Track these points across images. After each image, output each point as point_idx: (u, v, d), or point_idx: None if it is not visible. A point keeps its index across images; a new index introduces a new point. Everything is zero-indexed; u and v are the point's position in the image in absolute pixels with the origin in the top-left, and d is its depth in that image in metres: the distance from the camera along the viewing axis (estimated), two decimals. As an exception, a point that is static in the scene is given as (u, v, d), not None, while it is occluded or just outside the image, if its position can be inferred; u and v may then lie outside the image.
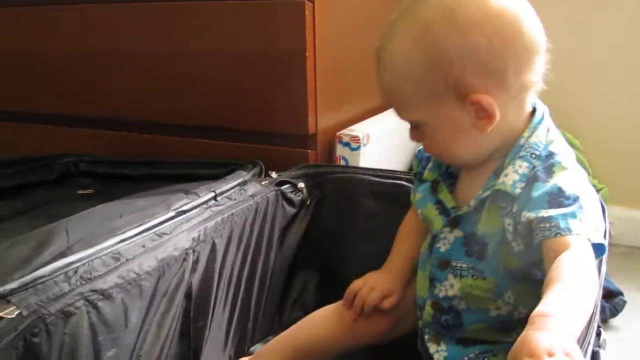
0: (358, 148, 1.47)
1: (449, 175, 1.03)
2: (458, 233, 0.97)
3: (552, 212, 0.81)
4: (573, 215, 0.81)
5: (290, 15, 1.38)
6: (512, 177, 0.90)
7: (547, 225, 0.80)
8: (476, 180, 0.96)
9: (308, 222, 1.34)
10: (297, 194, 1.31)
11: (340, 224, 1.36)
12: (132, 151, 1.65)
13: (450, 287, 0.97)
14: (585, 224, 0.80)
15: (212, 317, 1.11)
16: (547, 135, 0.92)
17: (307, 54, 1.38)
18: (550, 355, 0.60)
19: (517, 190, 0.88)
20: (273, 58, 1.43)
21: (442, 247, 0.98)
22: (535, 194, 0.85)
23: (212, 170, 1.38)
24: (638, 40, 1.80)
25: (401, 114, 0.95)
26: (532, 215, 0.83)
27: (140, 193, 1.27)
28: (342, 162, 1.48)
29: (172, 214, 1.09)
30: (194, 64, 1.53)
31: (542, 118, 0.93)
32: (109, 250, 0.96)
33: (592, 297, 0.75)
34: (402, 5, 0.93)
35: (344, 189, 1.35)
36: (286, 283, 1.33)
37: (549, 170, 0.88)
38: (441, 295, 0.98)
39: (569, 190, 0.84)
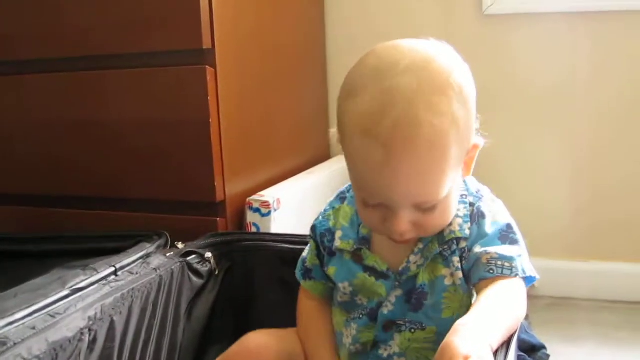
0: (269, 214, 1.44)
1: (363, 240, 0.99)
2: (398, 292, 0.95)
3: (509, 251, 0.87)
4: (524, 256, 0.89)
5: (192, 82, 1.37)
6: (457, 221, 0.92)
7: (508, 264, 0.86)
8: None
9: (217, 292, 1.30)
10: (204, 265, 1.27)
11: (252, 293, 1.33)
12: (34, 227, 1.58)
13: (390, 346, 0.97)
14: (528, 264, 0.88)
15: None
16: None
17: (210, 120, 1.36)
18: (465, 359, 0.68)
19: (467, 232, 0.92)
20: (177, 125, 1.41)
21: (385, 309, 0.96)
22: (488, 230, 0.91)
23: (117, 243, 1.32)
24: (551, 97, 1.84)
25: (432, 197, 0.85)
26: (491, 250, 0.88)
27: (40, 271, 1.21)
28: (254, 229, 1.45)
29: (66, 292, 1.03)
30: (97, 134, 1.49)
31: None
32: (-6, 335, 0.89)
33: (513, 317, 0.83)
34: (386, 74, 0.82)
35: (254, 256, 1.32)
36: (198, 357, 1.27)
37: (489, 205, 0.94)
38: (385, 355, 0.97)
39: (514, 226, 0.92)
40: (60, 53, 1.48)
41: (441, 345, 0.73)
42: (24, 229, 1.59)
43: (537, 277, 0.89)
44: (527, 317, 1.54)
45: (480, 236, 0.91)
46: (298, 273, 1.11)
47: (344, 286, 1.00)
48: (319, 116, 1.92)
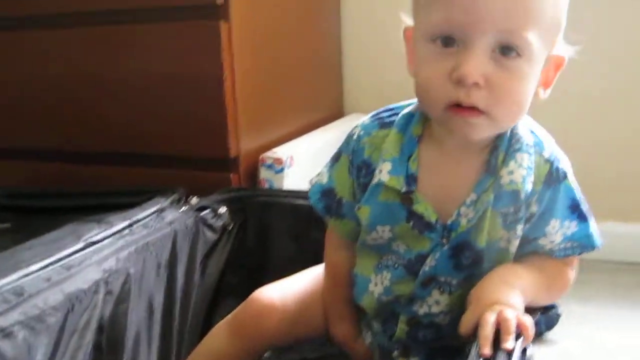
0: (282, 170, 1.44)
1: (411, 178, 0.83)
2: (444, 247, 0.84)
3: (583, 233, 0.86)
4: (592, 227, 0.87)
5: (206, 37, 1.35)
6: (520, 172, 0.79)
7: (578, 249, 0.87)
8: (454, 179, 0.83)
9: (231, 247, 1.31)
10: (218, 220, 1.27)
11: (265, 249, 1.33)
12: (51, 182, 1.59)
13: (436, 303, 0.86)
14: (596, 231, 0.87)
15: (130, 351, 1.06)
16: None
17: (224, 76, 1.35)
18: (491, 305, 0.72)
19: (529, 186, 0.79)
20: (191, 81, 1.40)
21: (427, 266, 0.85)
22: (563, 200, 0.84)
23: (132, 199, 1.32)
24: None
25: (519, 23, 0.72)
26: (566, 239, 0.86)
27: (54, 226, 1.21)
28: (267, 185, 1.45)
29: (81, 245, 1.04)
30: (111, 90, 1.49)
31: None
32: (10, 286, 0.90)
33: (551, 294, 0.88)
34: None
35: (266, 212, 1.32)
36: (210, 311, 1.28)
37: (565, 163, 0.84)
38: (422, 312, 0.87)
39: (582, 197, 0.85)
40: (75, 7, 1.47)
41: (470, 293, 0.75)
42: (38, 185, 1.59)
43: (600, 243, 0.88)
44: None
45: (554, 204, 0.82)
46: (319, 205, 0.95)
47: (382, 229, 0.86)
48: (332, 73, 1.90)
